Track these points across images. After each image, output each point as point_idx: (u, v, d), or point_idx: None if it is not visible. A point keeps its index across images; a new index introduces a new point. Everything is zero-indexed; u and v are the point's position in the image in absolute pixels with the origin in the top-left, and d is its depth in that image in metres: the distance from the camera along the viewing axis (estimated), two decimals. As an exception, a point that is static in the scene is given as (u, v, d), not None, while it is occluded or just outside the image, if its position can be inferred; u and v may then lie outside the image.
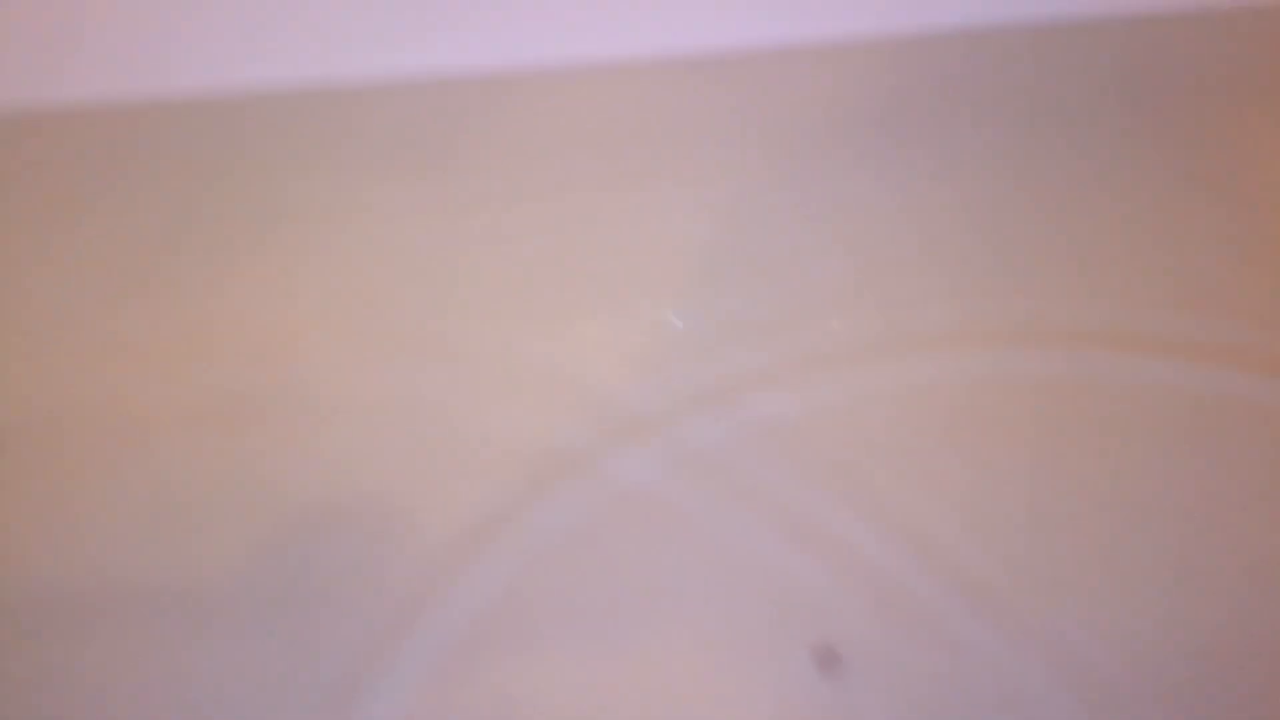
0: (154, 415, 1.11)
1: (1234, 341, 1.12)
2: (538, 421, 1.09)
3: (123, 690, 1.02)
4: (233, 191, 1.21)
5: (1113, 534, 1.05)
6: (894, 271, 1.14)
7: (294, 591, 1.04)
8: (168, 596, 1.05)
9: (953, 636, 1.00)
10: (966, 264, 1.16)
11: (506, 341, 1.13)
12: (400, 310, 1.14)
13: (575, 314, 1.14)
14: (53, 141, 1.22)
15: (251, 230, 1.19)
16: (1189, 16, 1.28)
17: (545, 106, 1.26)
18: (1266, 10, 1.29)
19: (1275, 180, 1.21)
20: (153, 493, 1.08)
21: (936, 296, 1.14)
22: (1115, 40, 1.28)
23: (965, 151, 1.23)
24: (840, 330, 1.11)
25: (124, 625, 1.05)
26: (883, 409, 1.08)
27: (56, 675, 1.03)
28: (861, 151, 1.22)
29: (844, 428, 1.08)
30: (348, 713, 1.00)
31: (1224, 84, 1.26)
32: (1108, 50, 1.28)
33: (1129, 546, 1.04)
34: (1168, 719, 0.99)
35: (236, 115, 1.25)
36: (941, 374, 1.10)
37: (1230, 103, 1.24)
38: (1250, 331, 1.13)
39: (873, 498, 1.06)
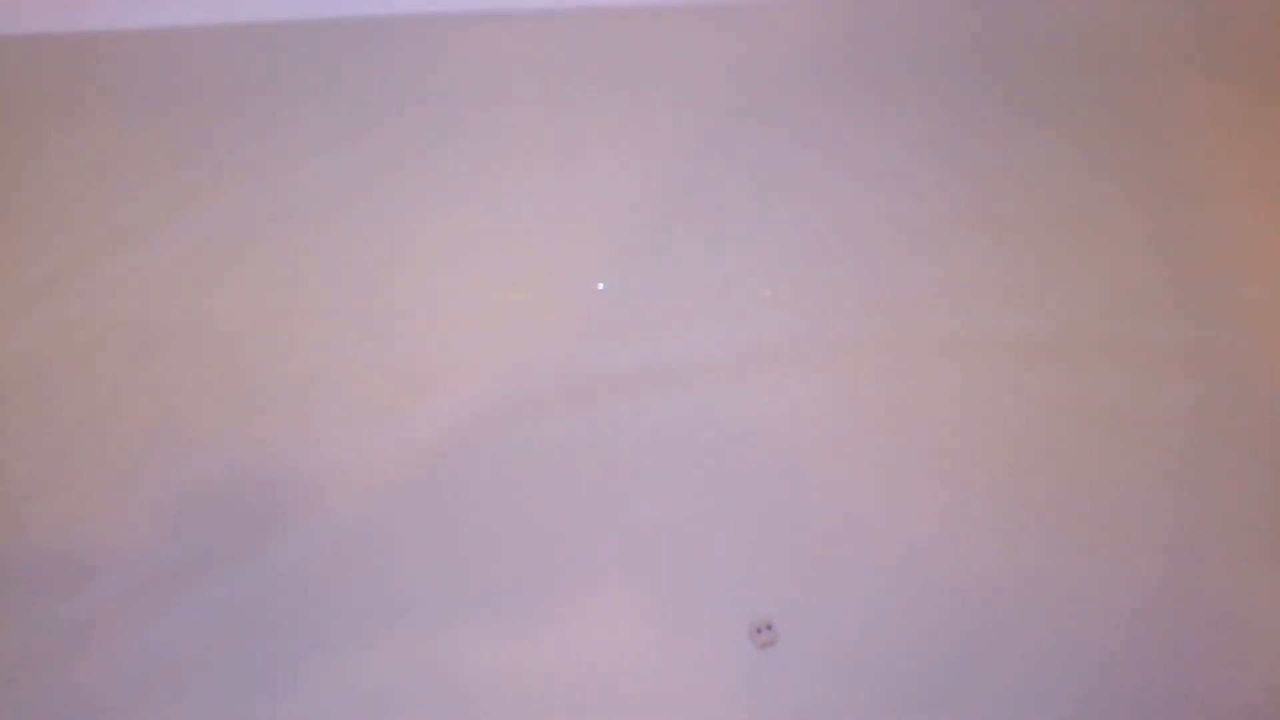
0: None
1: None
2: (459, 378, 1.11)
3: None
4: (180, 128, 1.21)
5: (1030, 500, 1.09)
6: (825, 238, 1.15)
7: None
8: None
9: (882, 608, 1.05)
10: (892, 229, 1.17)
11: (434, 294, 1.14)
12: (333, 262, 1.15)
13: (508, 278, 1.15)
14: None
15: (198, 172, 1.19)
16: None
17: (480, 51, 1.25)
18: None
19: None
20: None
21: (864, 263, 1.15)
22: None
23: (906, 112, 1.23)
24: (770, 298, 1.12)
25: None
26: (817, 381, 1.10)
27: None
28: (792, 110, 1.21)
29: (778, 400, 1.10)
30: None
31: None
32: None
33: (1045, 514, 1.08)
34: (1082, 681, 1.05)
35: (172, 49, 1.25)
36: (868, 338, 1.12)
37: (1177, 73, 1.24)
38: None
39: (804, 469, 1.09)
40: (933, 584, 1.08)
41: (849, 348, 1.13)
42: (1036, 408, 1.13)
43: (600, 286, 1.13)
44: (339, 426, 1.11)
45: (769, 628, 1.07)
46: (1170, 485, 1.12)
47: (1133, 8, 1.26)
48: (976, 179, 1.22)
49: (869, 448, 1.11)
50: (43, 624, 1.06)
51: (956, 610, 1.08)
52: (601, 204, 1.16)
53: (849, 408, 1.12)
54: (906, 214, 1.18)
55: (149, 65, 1.24)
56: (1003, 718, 1.08)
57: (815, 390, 1.11)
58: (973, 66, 1.25)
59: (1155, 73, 1.25)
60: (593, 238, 1.15)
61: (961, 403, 1.12)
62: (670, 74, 1.24)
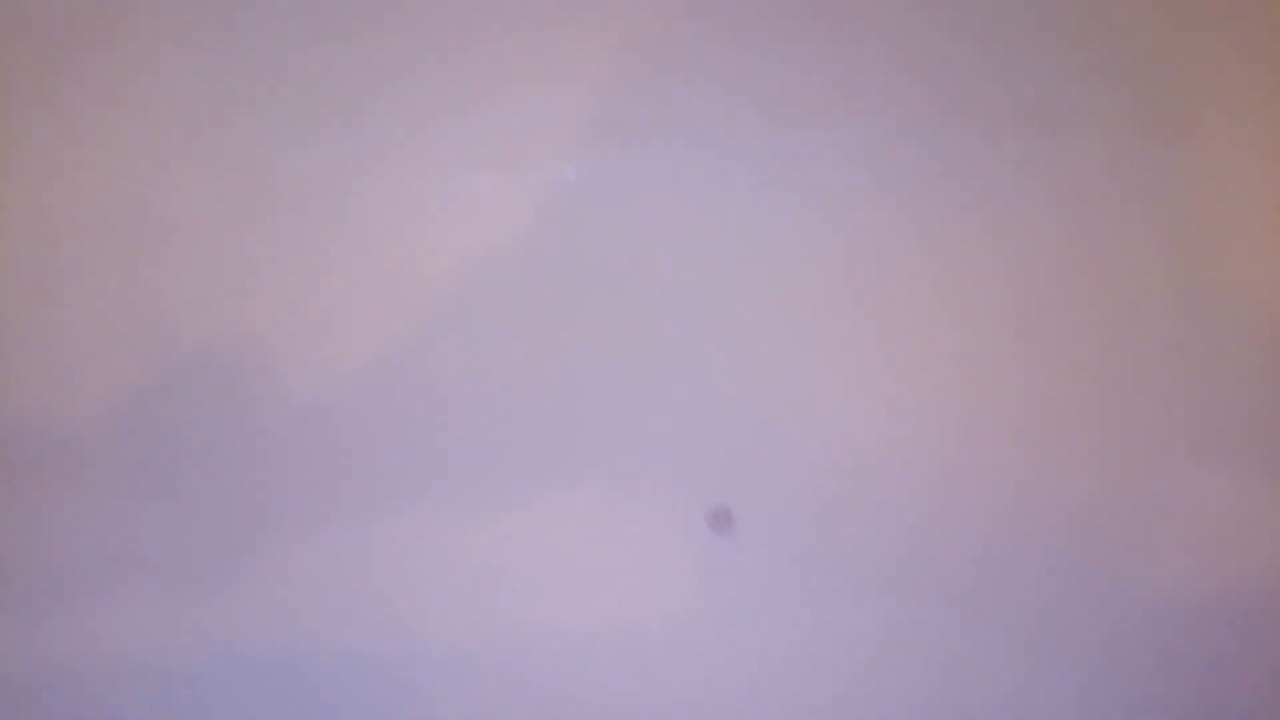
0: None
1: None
2: (419, 269, 1.11)
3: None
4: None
5: (1001, 395, 1.10)
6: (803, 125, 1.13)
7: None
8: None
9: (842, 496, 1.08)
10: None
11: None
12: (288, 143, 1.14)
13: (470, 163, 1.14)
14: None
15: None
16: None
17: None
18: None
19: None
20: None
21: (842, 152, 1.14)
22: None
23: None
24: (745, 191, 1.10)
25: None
26: (788, 272, 1.10)
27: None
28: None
29: (748, 293, 1.10)
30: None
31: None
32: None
33: (1015, 410, 1.10)
34: (1032, 571, 1.09)
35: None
36: (845, 231, 1.11)
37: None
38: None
39: (768, 358, 1.10)
40: (894, 475, 1.10)
41: (825, 237, 1.13)
42: (1015, 294, 1.14)
43: (570, 174, 1.13)
44: (300, 314, 1.10)
45: (726, 514, 1.09)
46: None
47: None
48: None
49: (836, 337, 1.12)
50: None
51: (919, 502, 1.11)
52: (573, 83, 1.15)
53: (820, 299, 1.13)
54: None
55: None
56: (961, 601, 1.12)
57: (787, 282, 1.12)
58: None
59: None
60: (562, 122, 1.14)
61: (936, 293, 1.13)
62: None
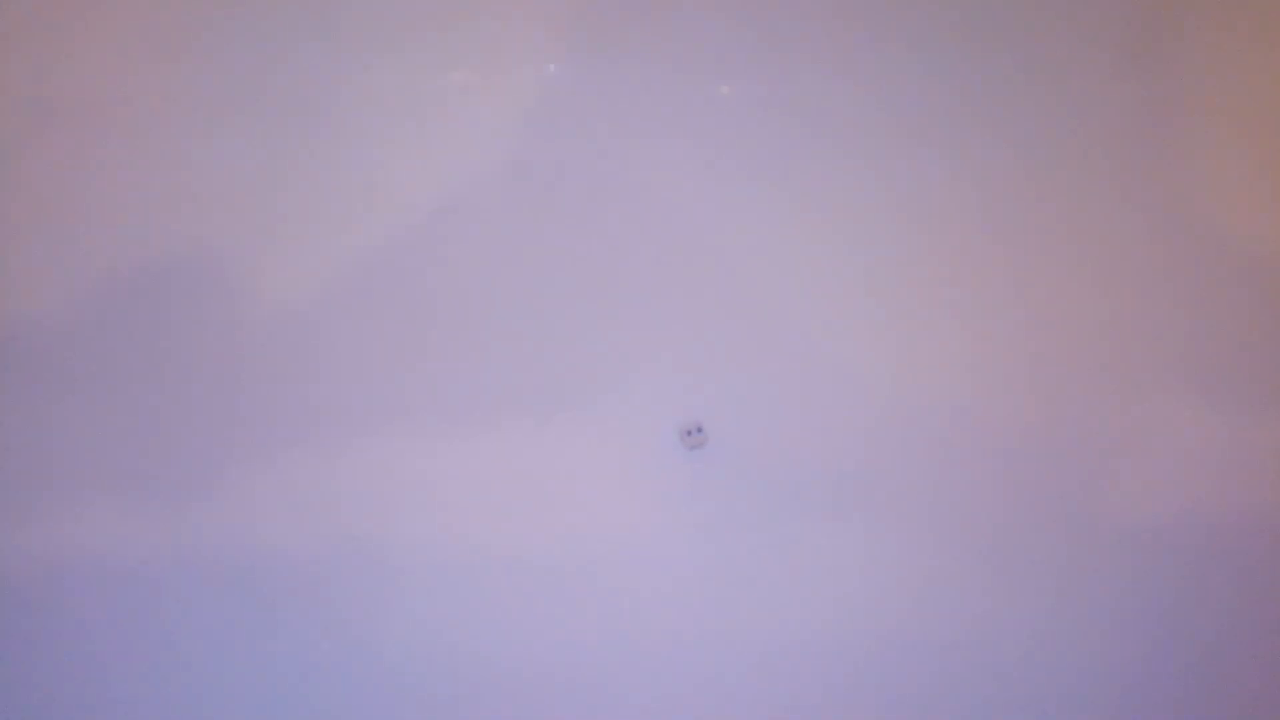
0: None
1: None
2: (400, 171, 1.10)
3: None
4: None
5: (977, 325, 1.11)
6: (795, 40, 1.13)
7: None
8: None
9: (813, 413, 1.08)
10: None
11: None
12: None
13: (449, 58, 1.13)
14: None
15: None
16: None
17: None
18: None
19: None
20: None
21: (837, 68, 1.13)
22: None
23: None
24: (728, 94, 1.09)
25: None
26: (768, 187, 1.09)
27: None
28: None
29: (727, 203, 1.09)
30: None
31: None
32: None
33: (987, 339, 1.11)
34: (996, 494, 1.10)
35: None
36: (833, 154, 1.11)
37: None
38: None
39: (743, 274, 1.09)
40: (863, 395, 1.11)
41: (806, 160, 1.12)
42: (1004, 223, 1.14)
43: (551, 69, 1.10)
44: (277, 220, 1.08)
45: (699, 430, 1.09)
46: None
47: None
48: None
49: (811, 255, 1.13)
50: None
51: (890, 422, 1.12)
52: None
53: (797, 212, 1.13)
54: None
55: None
56: (924, 519, 1.13)
57: (764, 193, 1.12)
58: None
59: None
60: (544, 14, 1.12)
61: (923, 216, 1.13)
62: None
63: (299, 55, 1.09)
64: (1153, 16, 1.15)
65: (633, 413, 1.11)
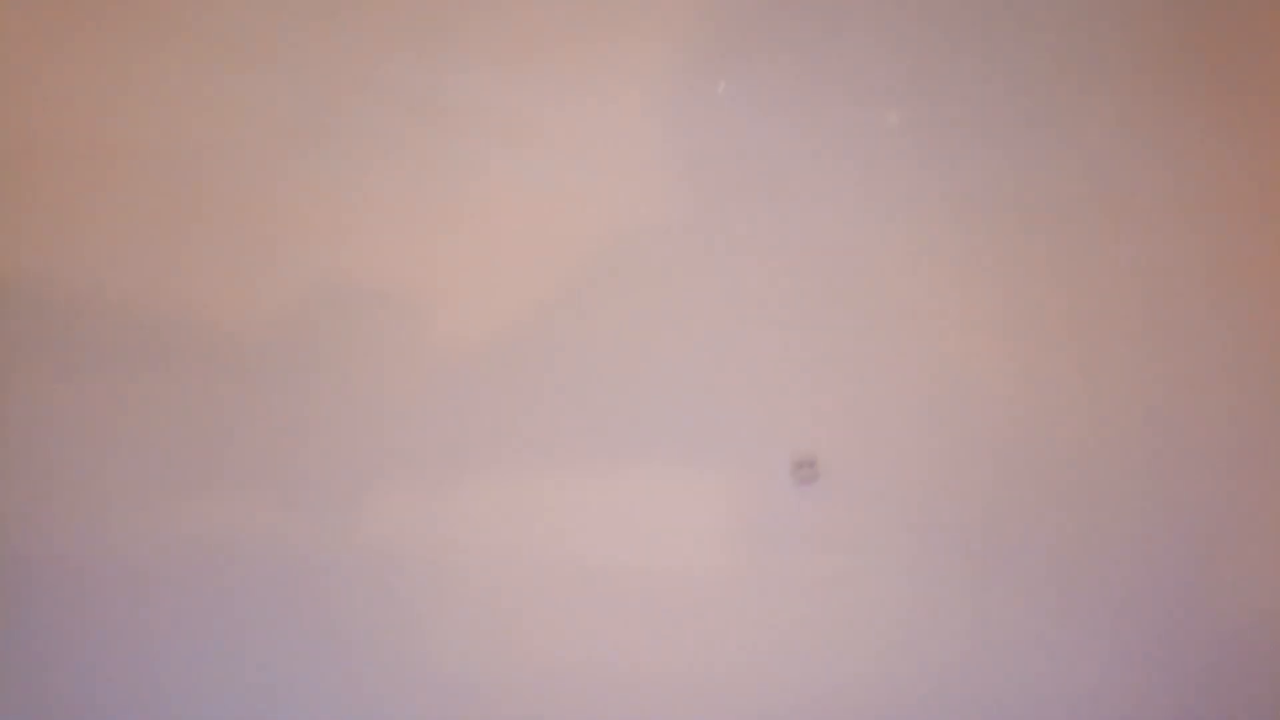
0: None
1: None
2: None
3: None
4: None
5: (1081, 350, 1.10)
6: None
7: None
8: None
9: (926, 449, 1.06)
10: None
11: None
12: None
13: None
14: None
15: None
16: None
17: None
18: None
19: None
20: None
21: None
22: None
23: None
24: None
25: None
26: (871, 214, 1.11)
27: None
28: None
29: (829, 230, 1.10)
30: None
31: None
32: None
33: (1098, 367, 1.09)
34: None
35: None
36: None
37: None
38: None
39: (855, 303, 1.09)
40: (978, 428, 1.09)
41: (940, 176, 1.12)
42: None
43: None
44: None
45: (811, 464, 1.07)
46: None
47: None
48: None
49: (918, 283, 1.12)
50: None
51: (1003, 453, 1.10)
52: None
53: (898, 241, 1.12)
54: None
55: None
56: (1039, 564, 1.09)
57: (865, 221, 1.12)
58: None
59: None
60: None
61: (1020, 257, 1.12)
62: None
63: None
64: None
65: (743, 446, 1.10)
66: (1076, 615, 1.09)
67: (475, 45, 1.11)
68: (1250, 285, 1.11)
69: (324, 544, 1.09)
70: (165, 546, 1.08)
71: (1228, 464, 1.10)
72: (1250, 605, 1.10)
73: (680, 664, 1.08)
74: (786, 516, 1.08)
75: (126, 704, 1.09)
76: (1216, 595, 1.10)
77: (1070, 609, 1.09)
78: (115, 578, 1.08)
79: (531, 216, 1.10)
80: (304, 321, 1.10)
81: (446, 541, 1.09)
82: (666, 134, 1.11)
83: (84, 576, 1.09)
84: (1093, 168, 1.12)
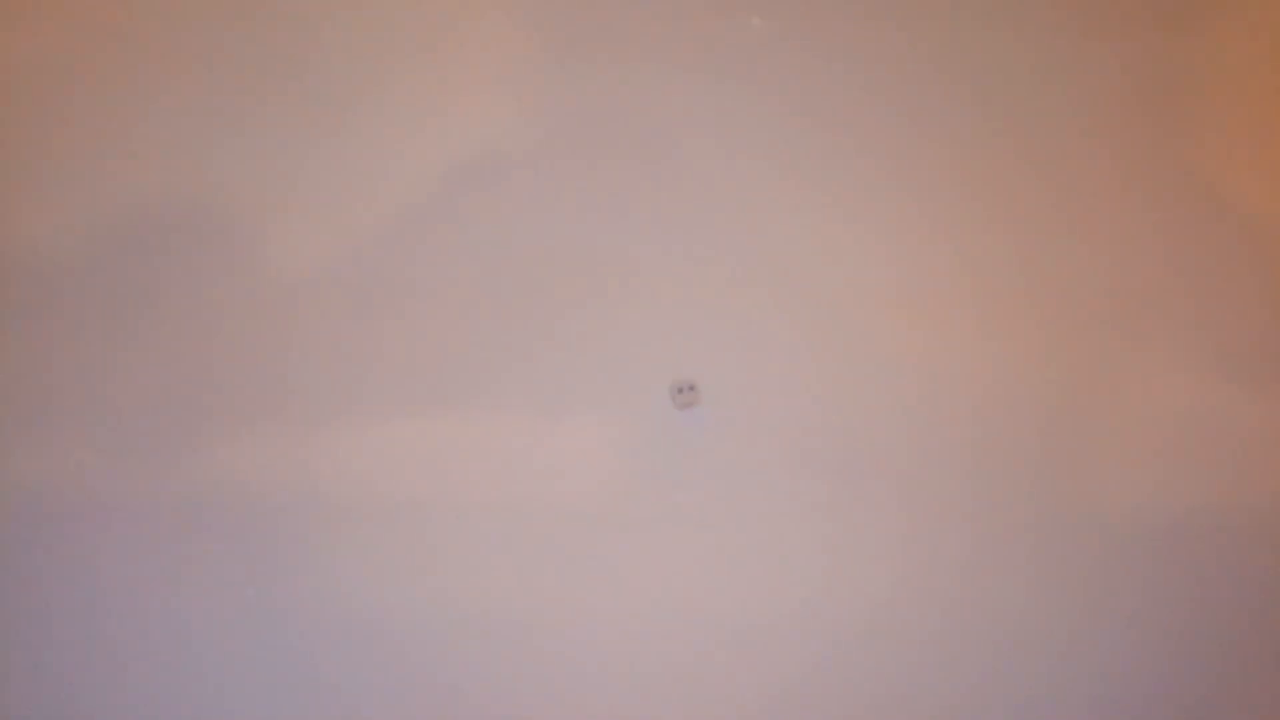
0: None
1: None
2: None
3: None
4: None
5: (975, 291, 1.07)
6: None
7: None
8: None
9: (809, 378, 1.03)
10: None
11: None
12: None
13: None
14: None
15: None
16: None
17: None
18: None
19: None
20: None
21: None
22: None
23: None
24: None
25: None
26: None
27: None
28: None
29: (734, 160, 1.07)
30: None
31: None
32: None
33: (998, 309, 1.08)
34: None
35: None
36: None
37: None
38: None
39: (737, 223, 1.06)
40: (858, 357, 1.06)
41: (824, 114, 1.10)
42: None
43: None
44: (292, 185, 1.09)
45: (691, 388, 1.04)
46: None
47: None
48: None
49: (825, 218, 1.10)
50: None
51: (892, 394, 1.07)
52: None
53: (808, 172, 1.10)
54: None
55: None
56: (919, 498, 1.07)
57: (763, 146, 1.10)
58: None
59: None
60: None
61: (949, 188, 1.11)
62: None
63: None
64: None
65: (624, 371, 1.07)
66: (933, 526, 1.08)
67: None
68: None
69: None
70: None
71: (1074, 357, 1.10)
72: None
73: (573, 598, 1.06)
74: (669, 442, 1.05)
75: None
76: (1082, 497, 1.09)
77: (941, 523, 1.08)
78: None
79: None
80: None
81: (319, 486, 1.06)
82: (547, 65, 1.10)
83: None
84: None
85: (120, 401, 1.07)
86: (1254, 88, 1.12)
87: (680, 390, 1.05)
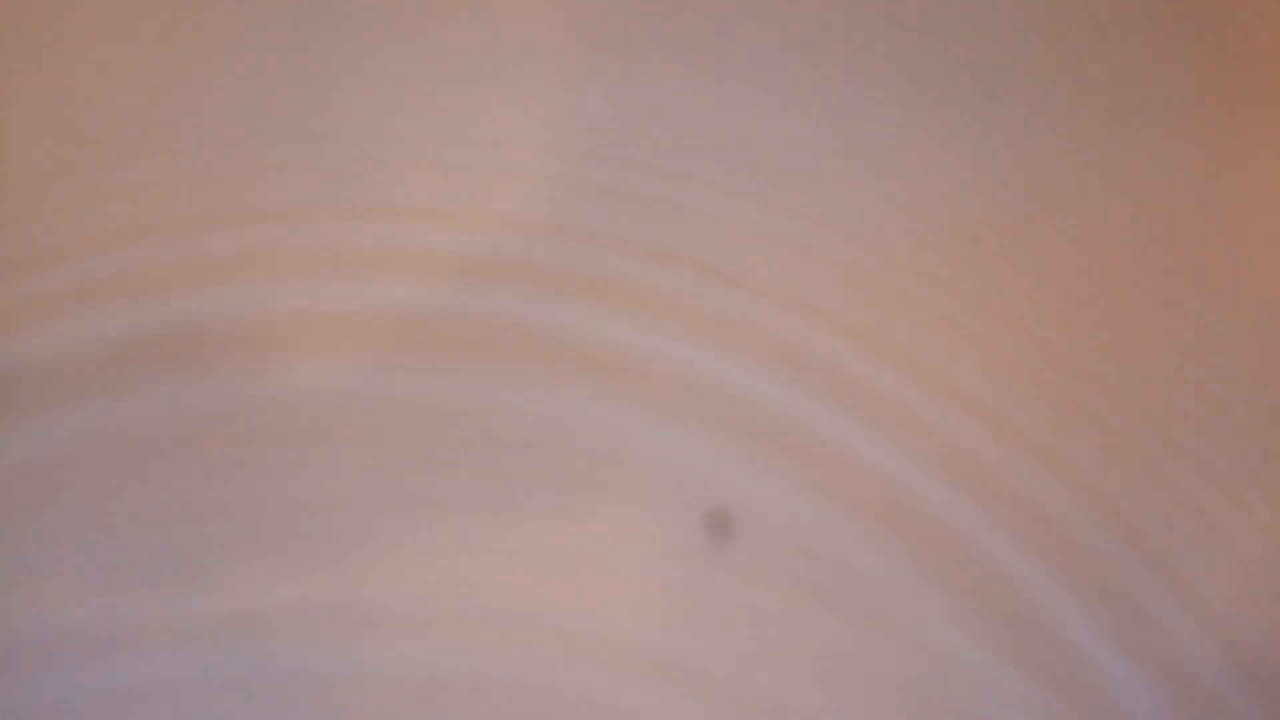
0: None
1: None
2: None
3: None
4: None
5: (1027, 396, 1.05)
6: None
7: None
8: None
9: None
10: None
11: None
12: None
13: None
14: None
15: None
16: None
17: None
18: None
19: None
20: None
21: None
22: None
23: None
24: None
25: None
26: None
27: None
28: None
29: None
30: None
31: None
32: None
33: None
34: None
35: None
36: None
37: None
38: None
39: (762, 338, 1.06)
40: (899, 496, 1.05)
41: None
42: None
43: None
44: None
45: (725, 519, 1.02)
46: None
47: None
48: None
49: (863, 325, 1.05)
50: None
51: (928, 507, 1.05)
52: None
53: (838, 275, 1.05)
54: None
55: None
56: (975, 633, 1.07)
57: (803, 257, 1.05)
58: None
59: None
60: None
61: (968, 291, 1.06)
62: None
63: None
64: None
65: (650, 502, 1.05)
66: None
67: None
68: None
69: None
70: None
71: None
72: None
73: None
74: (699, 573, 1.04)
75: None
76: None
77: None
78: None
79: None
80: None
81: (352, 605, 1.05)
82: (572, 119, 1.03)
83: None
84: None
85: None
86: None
87: (713, 522, 1.02)
